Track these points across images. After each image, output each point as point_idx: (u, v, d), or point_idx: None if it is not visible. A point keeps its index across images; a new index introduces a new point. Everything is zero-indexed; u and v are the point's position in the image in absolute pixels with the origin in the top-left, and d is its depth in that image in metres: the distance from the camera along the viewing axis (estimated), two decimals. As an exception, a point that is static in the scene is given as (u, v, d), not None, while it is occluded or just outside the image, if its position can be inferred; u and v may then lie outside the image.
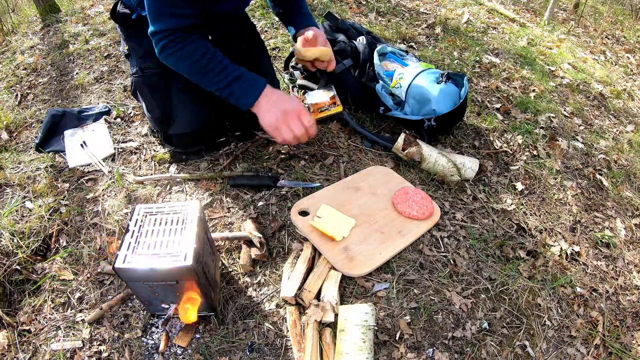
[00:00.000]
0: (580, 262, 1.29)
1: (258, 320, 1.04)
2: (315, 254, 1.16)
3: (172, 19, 1.03)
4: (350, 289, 1.10)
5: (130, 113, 1.69)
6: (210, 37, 1.23)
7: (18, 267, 1.13)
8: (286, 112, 1.11)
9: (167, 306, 0.95)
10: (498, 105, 1.89)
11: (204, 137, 1.45)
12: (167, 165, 1.45)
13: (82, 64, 2.05)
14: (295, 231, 1.23)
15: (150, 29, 1.07)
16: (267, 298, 1.08)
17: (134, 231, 0.88)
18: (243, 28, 1.52)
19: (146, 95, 1.41)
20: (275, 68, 1.90)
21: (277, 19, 2.34)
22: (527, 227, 1.35)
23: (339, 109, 1.40)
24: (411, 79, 1.66)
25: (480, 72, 2.13)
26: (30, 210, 1.27)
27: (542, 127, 1.79)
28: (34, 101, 1.86)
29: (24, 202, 1.30)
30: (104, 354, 0.98)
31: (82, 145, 1.51)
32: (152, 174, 1.40)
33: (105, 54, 2.09)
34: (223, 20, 1.32)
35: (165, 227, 0.89)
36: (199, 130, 1.40)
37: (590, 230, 1.40)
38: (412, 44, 2.32)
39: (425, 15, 2.70)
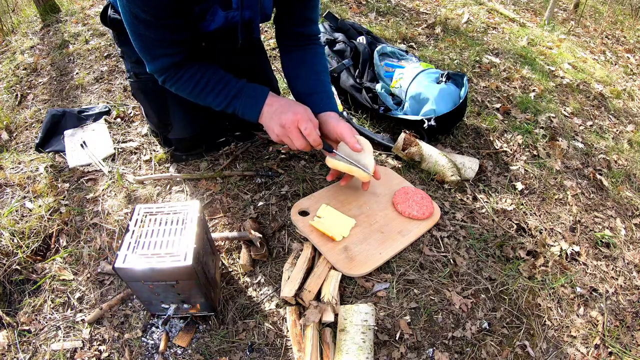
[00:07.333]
0: (580, 262, 1.29)
1: (258, 320, 1.04)
2: (315, 254, 1.16)
3: (164, 59, 1.07)
4: (350, 289, 1.10)
5: (130, 113, 1.69)
6: (203, 44, 1.22)
7: (18, 267, 1.13)
8: (284, 125, 1.07)
9: (167, 306, 0.95)
10: (498, 105, 1.89)
11: (203, 140, 1.45)
12: (167, 165, 1.45)
13: (82, 64, 2.05)
14: (295, 231, 1.23)
15: (147, 68, 1.11)
16: (267, 298, 1.08)
17: (134, 231, 0.88)
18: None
19: (142, 101, 1.41)
20: (275, 68, 1.90)
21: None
22: (527, 227, 1.35)
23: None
24: (411, 79, 1.66)
25: (480, 72, 2.13)
26: (30, 210, 1.27)
27: (542, 127, 1.79)
28: (34, 101, 1.86)
29: (24, 202, 1.30)
30: (104, 354, 0.98)
31: (82, 145, 1.51)
32: (152, 174, 1.40)
33: (105, 54, 2.10)
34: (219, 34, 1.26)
35: (165, 227, 0.89)
36: (198, 134, 1.40)
37: (590, 230, 1.40)
38: (412, 44, 2.32)
39: (425, 15, 2.70)
